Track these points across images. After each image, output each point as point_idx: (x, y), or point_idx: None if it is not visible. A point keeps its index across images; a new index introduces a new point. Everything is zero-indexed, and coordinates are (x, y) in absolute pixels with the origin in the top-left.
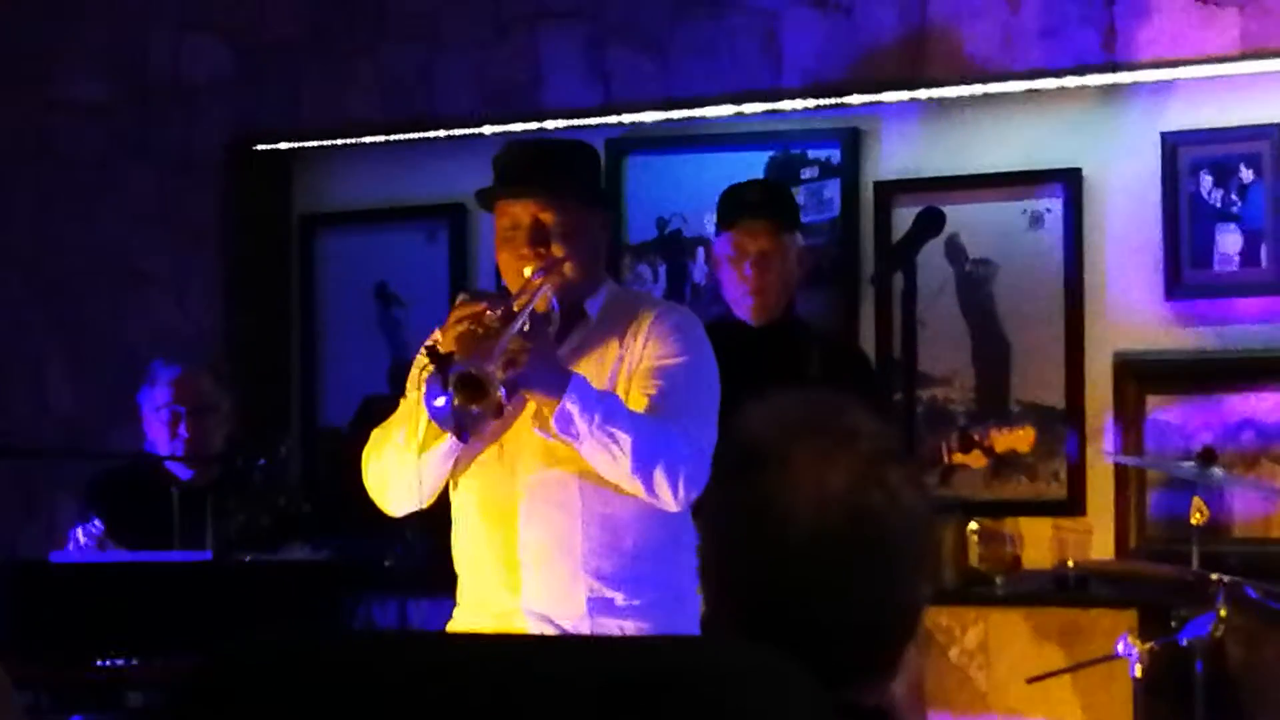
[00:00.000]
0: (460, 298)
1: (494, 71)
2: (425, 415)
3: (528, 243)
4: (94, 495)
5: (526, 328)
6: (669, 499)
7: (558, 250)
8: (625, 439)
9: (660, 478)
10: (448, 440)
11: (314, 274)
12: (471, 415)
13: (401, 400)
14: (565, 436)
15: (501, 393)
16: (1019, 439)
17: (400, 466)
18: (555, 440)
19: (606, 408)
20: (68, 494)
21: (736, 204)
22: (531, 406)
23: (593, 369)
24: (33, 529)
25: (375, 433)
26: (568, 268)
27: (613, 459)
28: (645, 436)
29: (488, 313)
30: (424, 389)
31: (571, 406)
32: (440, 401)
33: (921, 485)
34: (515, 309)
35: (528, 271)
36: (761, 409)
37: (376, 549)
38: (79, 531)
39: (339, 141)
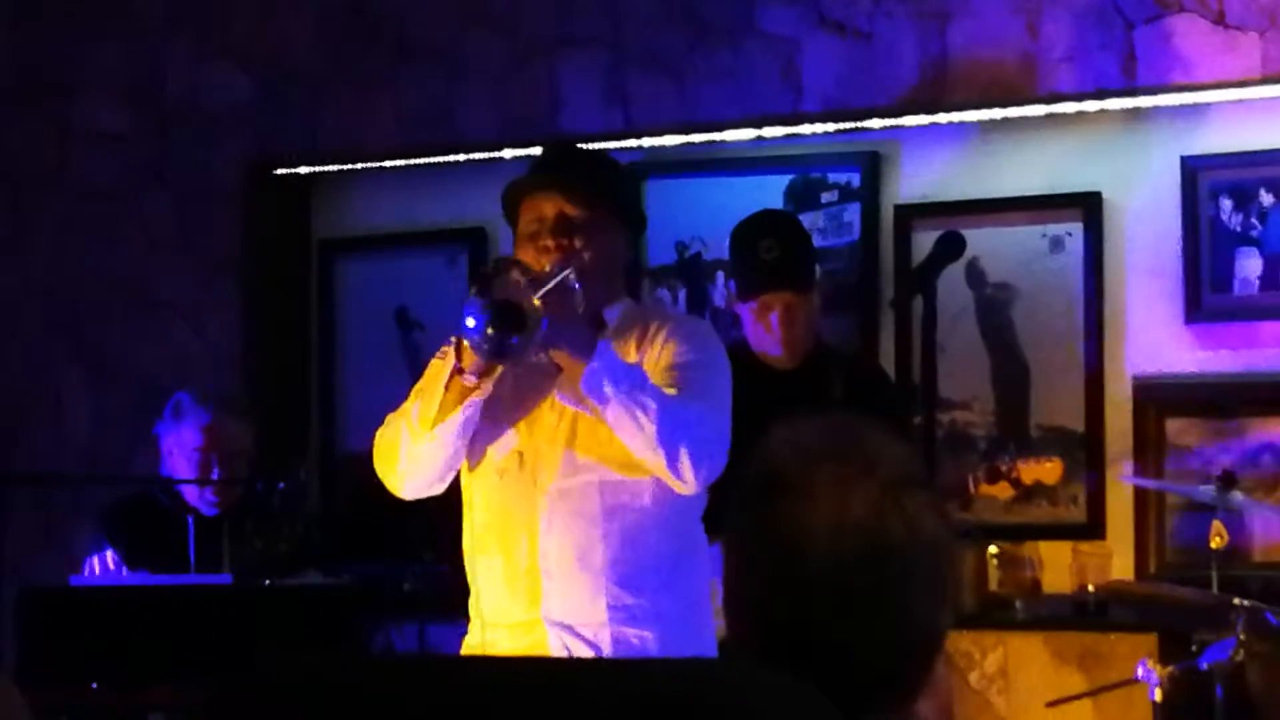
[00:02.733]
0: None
1: (513, 96)
2: (439, 393)
3: (551, 233)
4: (109, 524)
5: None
6: (690, 476)
7: (580, 244)
8: (653, 406)
9: (684, 452)
10: (461, 412)
11: (334, 299)
12: (501, 343)
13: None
14: (592, 399)
15: (541, 328)
16: (1046, 471)
17: (412, 442)
18: (579, 408)
19: (634, 376)
20: (86, 520)
21: (752, 272)
22: (550, 415)
23: None
24: (51, 554)
25: (389, 417)
26: (589, 261)
27: (638, 426)
28: (671, 408)
29: (515, 275)
30: (463, 309)
31: (601, 368)
32: (472, 322)
33: (942, 511)
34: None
35: (549, 266)
36: (784, 434)
37: (396, 572)
38: (94, 560)
39: (358, 166)
